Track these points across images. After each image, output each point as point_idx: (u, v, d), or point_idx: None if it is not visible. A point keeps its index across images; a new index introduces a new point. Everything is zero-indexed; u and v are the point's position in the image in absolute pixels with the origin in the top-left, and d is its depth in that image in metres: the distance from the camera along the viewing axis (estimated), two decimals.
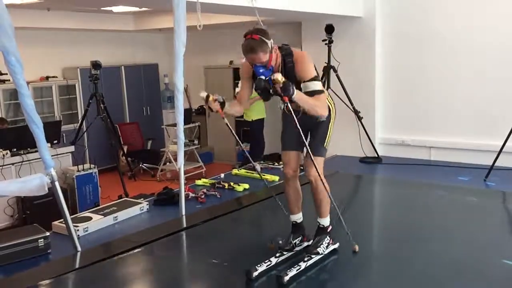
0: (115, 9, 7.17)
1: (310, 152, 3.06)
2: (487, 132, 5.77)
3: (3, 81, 7.05)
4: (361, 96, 6.31)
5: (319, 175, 3.08)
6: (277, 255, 3.17)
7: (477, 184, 5.03)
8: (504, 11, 5.62)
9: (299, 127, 2.94)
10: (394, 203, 4.83)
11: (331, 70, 6.09)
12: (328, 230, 3.27)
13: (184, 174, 4.33)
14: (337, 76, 6.06)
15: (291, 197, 3.31)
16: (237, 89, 3.21)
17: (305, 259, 3.12)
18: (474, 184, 5.05)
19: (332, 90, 6.04)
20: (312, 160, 3.04)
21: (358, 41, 6.51)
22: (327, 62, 6.10)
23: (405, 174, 5.66)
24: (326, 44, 6.06)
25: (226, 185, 5.01)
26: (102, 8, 7.16)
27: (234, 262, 3.27)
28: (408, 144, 6.42)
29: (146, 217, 4.27)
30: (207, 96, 3.05)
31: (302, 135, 3.00)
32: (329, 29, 6.02)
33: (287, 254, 3.22)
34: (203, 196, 4.66)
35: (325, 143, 3.18)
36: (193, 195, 4.67)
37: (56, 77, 8.03)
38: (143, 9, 7.15)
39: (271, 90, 2.89)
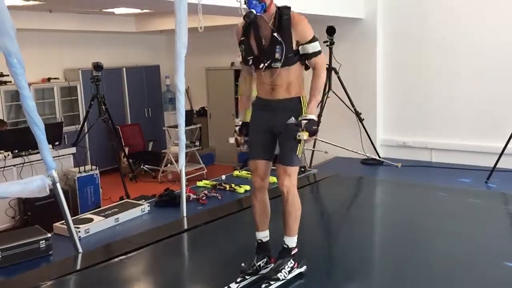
0: (117, 10, 7.18)
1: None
2: (489, 133, 5.76)
3: (5, 83, 7.06)
4: (362, 98, 6.30)
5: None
6: (238, 280, 2.82)
7: (479, 185, 5.02)
8: (505, 12, 5.62)
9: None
10: (395, 205, 4.82)
11: (332, 71, 6.09)
12: (292, 253, 2.89)
13: (185, 175, 4.32)
14: (339, 77, 6.06)
15: (258, 211, 2.95)
16: (238, 59, 3.04)
17: (262, 286, 2.77)
18: (475, 185, 5.04)
19: (333, 91, 6.04)
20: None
21: (360, 42, 6.51)
22: (328, 64, 6.09)
23: (406, 175, 5.65)
24: (327, 45, 6.06)
25: (228, 186, 5.01)
26: (104, 10, 7.18)
27: (235, 264, 3.26)
28: (410, 146, 6.41)
29: (147, 218, 4.27)
30: (236, 140, 3.08)
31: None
32: (331, 30, 6.02)
33: (250, 279, 2.85)
34: (204, 198, 4.66)
35: (298, 151, 2.80)
36: (194, 196, 4.67)
37: (58, 78, 8.04)
38: (145, 10, 7.15)
39: (255, 32, 2.76)
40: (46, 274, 3.17)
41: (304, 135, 2.62)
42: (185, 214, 4.21)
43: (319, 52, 2.83)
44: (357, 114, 6.12)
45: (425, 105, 6.27)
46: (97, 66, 6.47)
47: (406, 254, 3.41)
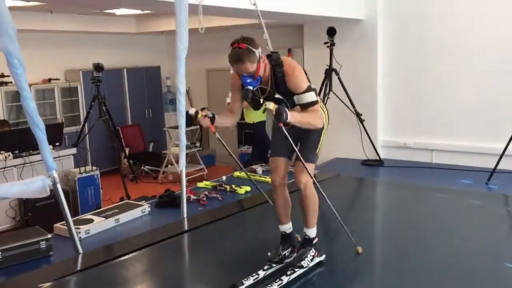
0: (118, 11, 7.19)
1: (301, 158, 2.93)
2: (489, 135, 5.76)
3: (5, 83, 7.07)
4: (363, 99, 6.30)
5: (310, 182, 2.98)
6: (265, 267, 3.02)
7: (479, 187, 5.02)
8: (505, 13, 5.62)
9: (291, 141, 2.87)
10: (395, 206, 4.82)
11: (333, 72, 6.10)
12: (313, 242, 3.11)
13: (186, 176, 4.32)
14: (339, 78, 6.06)
15: (279, 206, 3.15)
16: (228, 99, 3.14)
17: (288, 272, 2.97)
18: (476, 187, 5.04)
19: (334, 93, 6.05)
20: (305, 166, 2.92)
21: (360, 43, 6.52)
22: (329, 65, 6.10)
23: (407, 177, 5.65)
24: (328, 46, 6.07)
25: (228, 187, 5.01)
26: (105, 11, 7.18)
27: (236, 264, 3.26)
28: (410, 147, 6.41)
29: (147, 219, 4.27)
30: (196, 113, 2.99)
31: (294, 145, 2.92)
32: (331, 31, 6.03)
33: (276, 267, 3.06)
34: (204, 199, 4.66)
35: (317, 150, 3.06)
36: (195, 197, 4.67)
37: (59, 79, 8.05)
38: (145, 11, 7.16)
39: (261, 100, 2.85)
40: (46, 274, 3.17)
41: (270, 105, 2.69)
42: (185, 215, 4.21)
43: (315, 102, 2.89)
44: (358, 115, 6.12)
45: (426, 106, 6.27)
46: (98, 67, 6.48)
47: (407, 255, 3.41)
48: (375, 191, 5.56)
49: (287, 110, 2.69)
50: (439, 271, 3.10)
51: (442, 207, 4.52)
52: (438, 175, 5.65)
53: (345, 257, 3.38)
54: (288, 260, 3.12)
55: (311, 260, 3.07)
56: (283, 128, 2.81)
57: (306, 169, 2.94)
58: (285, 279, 2.92)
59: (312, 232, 3.10)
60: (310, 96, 2.86)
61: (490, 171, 5.05)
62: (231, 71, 3.04)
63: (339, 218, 3.26)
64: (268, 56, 2.92)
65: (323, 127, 3.03)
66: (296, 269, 3.00)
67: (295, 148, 2.97)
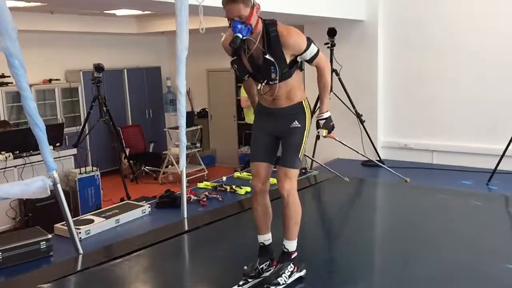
0: (118, 12, 7.19)
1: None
2: (490, 135, 5.76)
3: (6, 84, 7.08)
4: (363, 100, 6.31)
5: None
6: (241, 283, 2.82)
7: (480, 188, 5.02)
8: (506, 14, 5.62)
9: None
10: (396, 207, 4.81)
11: (334, 73, 6.09)
12: (292, 257, 2.88)
13: (186, 177, 4.32)
14: (340, 79, 6.06)
15: (259, 214, 2.94)
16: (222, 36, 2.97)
17: None
18: (476, 188, 5.04)
19: (334, 93, 6.03)
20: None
21: (361, 44, 6.52)
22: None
23: (407, 177, 5.64)
24: (328, 47, 6.06)
25: (228, 188, 5.01)
26: (105, 11, 7.19)
27: (236, 265, 3.26)
28: (411, 148, 6.41)
29: (148, 220, 4.27)
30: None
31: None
32: (332, 32, 6.02)
33: (252, 282, 2.85)
34: (205, 199, 4.66)
35: (300, 154, 2.82)
36: (195, 198, 4.67)
37: (59, 80, 8.06)
38: (146, 12, 7.16)
39: (246, 52, 2.72)
40: (46, 275, 3.17)
41: (323, 132, 2.86)
42: (185, 216, 4.21)
43: (317, 54, 2.80)
44: (358, 115, 6.11)
45: (426, 107, 6.27)
46: (98, 68, 6.47)
47: (407, 257, 3.40)
48: (375, 192, 5.55)
49: (329, 119, 2.89)
50: (440, 272, 3.10)
51: (443, 208, 4.51)
52: (439, 176, 5.65)
53: (345, 259, 3.38)
54: (266, 274, 2.91)
55: (289, 276, 2.84)
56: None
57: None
58: None
59: (291, 245, 2.88)
60: (312, 49, 2.76)
61: (491, 172, 5.05)
62: (222, 39, 2.89)
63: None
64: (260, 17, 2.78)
65: (305, 126, 2.85)
66: (272, 286, 2.78)
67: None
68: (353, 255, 3.31)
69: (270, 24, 2.72)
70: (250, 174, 5.53)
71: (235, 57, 2.84)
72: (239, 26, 2.61)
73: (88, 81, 7.23)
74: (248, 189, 4.92)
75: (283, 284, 2.80)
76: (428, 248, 3.53)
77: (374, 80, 6.52)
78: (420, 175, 5.71)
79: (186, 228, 4.00)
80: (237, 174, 5.73)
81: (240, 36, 2.61)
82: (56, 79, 7.98)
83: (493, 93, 5.76)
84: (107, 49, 8.66)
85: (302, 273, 2.97)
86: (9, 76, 6.40)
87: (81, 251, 3.41)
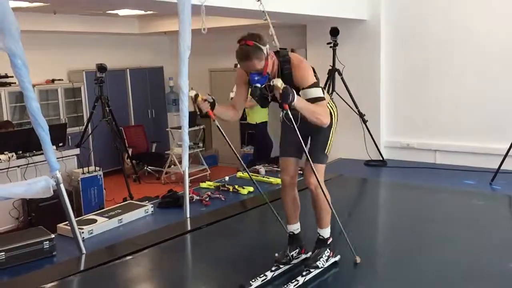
0: (121, 12, 7.21)
1: (310, 160, 2.90)
2: (493, 135, 5.74)
3: (9, 84, 7.09)
4: (366, 99, 6.30)
5: (320, 184, 2.94)
6: (273, 268, 3.00)
7: (483, 187, 5.00)
8: (509, 13, 5.60)
9: (299, 135, 2.80)
10: (399, 206, 4.81)
11: (336, 73, 6.09)
12: (328, 242, 3.10)
13: (189, 176, 4.33)
14: (342, 79, 6.05)
15: (288, 206, 3.13)
16: (232, 94, 3.11)
17: (304, 273, 2.96)
18: (480, 187, 5.02)
19: (337, 93, 6.04)
20: (312, 168, 2.89)
21: (363, 44, 6.50)
22: (332, 65, 6.09)
23: (410, 177, 5.64)
24: (331, 47, 6.06)
25: (231, 188, 5.01)
26: (108, 12, 7.20)
27: (239, 265, 3.27)
28: (413, 147, 6.40)
29: (150, 219, 4.27)
30: (196, 95, 2.86)
31: (303, 143, 2.87)
32: (334, 32, 6.02)
33: (283, 268, 3.04)
34: (207, 199, 4.66)
35: (326, 150, 3.01)
36: (198, 197, 4.68)
37: (62, 80, 8.07)
38: (148, 12, 7.17)
39: (269, 97, 2.79)
40: (49, 274, 3.17)
41: (275, 81, 2.62)
42: (188, 215, 4.21)
43: (321, 99, 2.80)
44: (361, 115, 6.11)
45: (429, 107, 6.25)
46: (101, 68, 6.49)
47: (410, 256, 3.40)
48: (378, 191, 5.55)
49: (294, 92, 2.63)
50: (443, 272, 3.09)
51: (446, 208, 4.51)
52: (442, 176, 5.63)
53: (348, 257, 3.37)
54: (295, 261, 3.11)
55: (326, 260, 3.07)
56: (291, 117, 2.70)
57: (313, 171, 2.88)
58: (300, 280, 2.91)
59: (326, 232, 3.10)
60: (316, 92, 2.79)
61: (494, 171, 5.04)
62: (238, 66, 2.96)
63: (342, 228, 3.15)
64: (276, 53, 2.87)
65: (331, 125, 2.96)
66: (311, 270, 2.98)
67: (305, 148, 2.94)
68: (356, 254, 3.30)
69: (284, 62, 2.85)
70: (253, 174, 5.58)
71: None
72: (256, 78, 2.75)
73: (91, 81, 7.24)
74: (251, 188, 4.93)
75: (321, 267, 3.02)
76: (431, 247, 3.52)
77: (376, 80, 6.51)
78: (423, 175, 5.70)
79: (189, 228, 4.01)
80: (239, 174, 5.73)
81: (259, 85, 2.76)
82: (59, 79, 8.00)
83: (497, 92, 5.74)
84: (109, 49, 8.66)
85: (337, 258, 3.18)
86: (12, 76, 6.40)
87: (84, 251, 3.42)
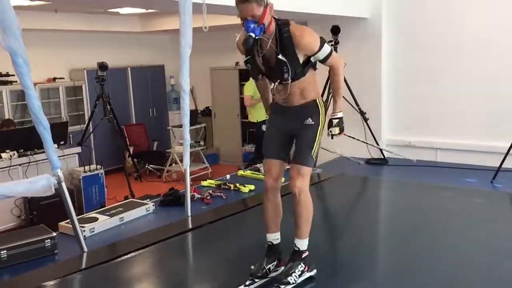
0: (122, 10, 7.21)
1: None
2: (494, 133, 5.74)
3: (10, 82, 7.10)
4: (367, 98, 6.29)
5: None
6: (247, 283, 2.77)
7: (484, 186, 5.00)
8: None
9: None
10: (400, 205, 4.80)
11: None
12: (303, 256, 2.83)
13: (190, 175, 4.33)
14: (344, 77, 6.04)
15: (269, 212, 2.88)
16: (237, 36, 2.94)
17: None
18: (481, 186, 5.01)
19: None
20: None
21: (365, 42, 6.50)
22: None
23: (411, 175, 5.63)
24: (332, 45, 6.03)
25: (232, 186, 5.01)
26: (109, 10, 7.20)
27: (240, 263, 3.27)
28: (415, 146, 6.39)
29: (152, 218, 4.28)
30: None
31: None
32: (335, 30, 6.01)
33: (259, 282, 2.81)
34: (208, 197, 4.66)
35: (313, 151, 2.78)
36: (199, 196, 4.67)
37: (63, 78, 8.08)
38: (150, 10, 7.17)
39: (258, 52, 2.71)
40: (51, 273, 3.18)
41: (336, 130, 2.88)
42: (189, 214, 4.21)
43: (330, 54, 2.80)
44: (362, 113, 6.10)
45: (431, 105, 6.25)
46: (102, 66, 6.49)
47: (412, 254, 3.40)
48: (379, 190, 5.55)
49: (342, 119, 2.86)
50: (444, 270, 3.09)
51: (447, 206, 4.50)
52: (443, 174, 5.63)
53: (351, 256, 3.37)
54: (273, 275, 2.86)
55: (299, 275, 2.79)
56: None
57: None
58: None
59: (303, 244, 2.82)
60: (325, 49, 2.76)
61: (495, 169, 5.03)
62: (237, 39, 2.87)
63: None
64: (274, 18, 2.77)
65: (319, 123, 2.81)
66: (282, 286, 2.73)
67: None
68: (357, 253, 3.30)
69: (283, 25, 2.72)
70: (253, 172, 5.58)
71: (248, 57, 2.82)
72: (251, 25, 2.60)
73: (92, 79, 7.25)
74: (252, 187, 4.93)
75: (293, 283, 2.76)
76: (432, 245, 3.52)
77: (378, 78, 6.50)
78: (424, 173, 5.70)
79: (190, 226, 4.01)
80: (240, 172, 5.73)
81: (253, 35, 2.60)
82: (60, 78, 8.01)
83: (498, 90, 5.73)
84: (111, 48, 8.67)
85: (313, 273, 2.92)
86: (14, 75, 6.42)
87: (85, 249, 3.42)
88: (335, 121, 2.89)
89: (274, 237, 2.91)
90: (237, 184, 5.03)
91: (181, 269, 3.39)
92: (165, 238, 3.70)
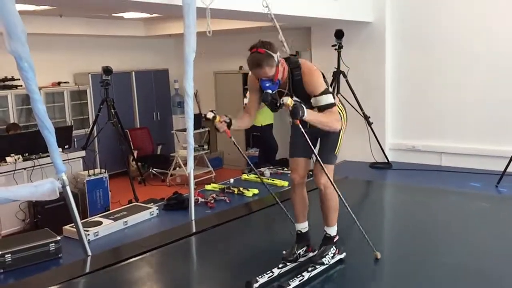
0: (126, 15, 7.23)
1: (319, 160, 2.98)
2: (499, 137, 5.72)
3: (16, 87, 7.13)
4: (371, 101, 6.28)
5: (329, 182, 3.03)
6: (280, 266, 3.07)
7: (489, 190, 4.98)
8: None
9: (308, 139, 2.88)
10: (404, 209, 4.79)
11: (341, 75, 6.08)
12: (334, 240, 3.18)
13: (194, 179, 4.33)
14: (347, 81, 6.05)
15: (297, 204, 3.23)
16: (245, 100, 3.19)
17: (309, 269, 3.04)
18: (486, 190, 5.00)
19: (341, 95, 6.02)
20: (323, 168, 2.97)
21: (368, 46, 6.50)
22: (336, 67, 6.09)
23: (415, 180, 5.62)
24: (335, 49, 6.06)
25: (236, 190, 5.02)
26: (113, 15, 7.23)
27: (244, 267, 3.26)
28: (419, 150, 6.38)
29: (156, 222, 4.28)
30: (214, 117, 3.04)
31: (312, 146, 2.95)
32: (339, 34, 6.01)
33: (290, 265, 3.11)
34: (212, 201, 4.67)
35: (336, 151, 3.11)
36: (203, 200, 4.68)
37: (68, 82, 8.11)
38: (154, 15, 7.19)
39: (279, 103, 2.86)
40: (55, 276, 3.19)
41: (287, 99, 2.69)
42: (193, 218, 4.22)
43: (332, 105, 2.89)
44: (366, 117, 6.09)
45: (435, 109, 6.23)
46: (107, 70, 6.51)
47: (416, 258, 3.39)
48: (383, 194, 5.54)
49: (304, 107, 2.71)
50: (448, 274, 3.08)
51: (451, 210, 4.49)
52: (447, 178, 5.62)
53: (358, 259, 3.37)
54: (302, 259, 3.17)
55: (332, 257, 3.13)
56: (300, 126, 2.80)
57: (324, 171, 2.98)
58: (306, 275, 2.98)
59: (332, 230, 3.16)
60: (327, 98, 2.88)
61: (500, 174, 5.01)
62: (250, 73, 3.06)
63: (357, 222, 3.21)
64: (286, 59, 2.96)
65: (341, 127, 3.02)
66: (317, 266, 3.06)
67: (313, 149, 3.00)
68: (361, 255, 3.30)
69: (295, 68, 2.92)
70: (257, 176, 5.57)
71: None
72: (267, 84, 2.84)
73: (96, 83, 7.27)
74: (256, 191, 4.94)
75: (327, 264, 3.09)
76: (437, 250, 3.51)
77: (381, 82, 6.50)
78: (428, 177, 5.68)
79: (194, 230, 4.01)
80: (244, 176, 5.74)
81: (270, 92, 2.84)
82: (65, 82, 8.03)
83: (503, 94, 5.71)
84: (115, 52, 8.70)
85: (343, 255, 3.25)
86: (19, 79, 6.44)
87: (89, 253, 3.43)
88: (293, 102, 2.71)
89: (303, 226, 3.25)
90: (241, 188, 5.03)
91: (185, 273, 3.39)
92: (169, 242, 3.70)
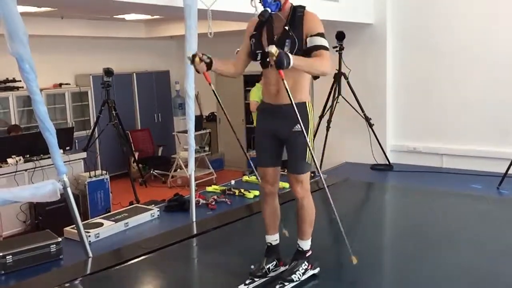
0: (127, 17, 7.25)
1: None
2: (500, 139, 5.71)
3: (17, 88, 7.14)
4: (372, 103, 6.28)
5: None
6: (247, 282, 2.89)
7: (490, 192, 4.97)
8: None
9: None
10: (405, 211, 4.79)
11: (342, 77, 6.08)
12: (307, 255, 2.97)
13: (195, 180, 4.33)
14: (348, 83, 6.05)
15: (268, 215, 3.00)
16: (237, 49, 3.00)
17: (277, 286, 2.84)
18: (487, 192, 4.99)
19: (343, 97, 6.03)
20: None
21: (369, 48, 6.50)
22: (338, 69, 6.09)
23: (416, 181, 5.61)
24: (337, 51, 6.06)
25: (237, 191, 5.01)
26: (115, 16, 7.24)
27: (244, 268, 3.26)
28: (420, 151, 6.37)
29: (156, 223, 4.28)
30: (193, 56, 2.76)
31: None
32: (340, 36, 6.02)
33: (258, 281, 2.91)
34: (213, 203, 4.67)
35: (307, 157, 2.82)
36: (204, 201, 4.68)
37: (69, 84, 8.12)
38: (155, 16, 7.21)
39: (268, 28, 2.76)
40: (56, 278, 3.19)
41: (273, 48, 2.49)
42: (194, 219, 4.22)
43: (326, 48, 2.75)
44: (367, 119, 6.09)
45: (436, 111, 6.23)
46: (108, 72, 6.52)
47: (417, 260, 3.38)
48: (384, 196, 5.53)
49: (289, 55, 2.51)
50: (449, 277, 3.07)
51: (452, 212, 4.48)
52: (448, 180, 5.61)
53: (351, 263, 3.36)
54: (272, 274, 2.97)
55: (303, 273, 2.93)
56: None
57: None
58: None
59: (306, 244, 2.96)
60: (322, 40, 2.74)
61: (501, 176, 5.01)
62: (251, 20, 2.97)
63: (340, 224, 2.98)
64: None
65: (308, 128, 2.81)
66: (286, 283, 2.84)
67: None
68: (362, 258, 3.29)
69: (299, 7, 2.82)
70: (258, 178, 5.57)
71: (254, 32, 2.88)
72: (269, 0, 2.71)
73: (97, 85, 7.28)
74: (257, 192, 4.92)
75: (296, 281, 2.87)
76: (437, 251, 3.50)
77: (383, 84, 6.49)
78: (429, 179, 5.68)
79: (195, 232, 4.01)
80: (245, 178, 5.73)
81: (269, 10, 2.70)
82: (66, 83, 8.05)
83: (504, 96, 5.71)
84: (116, 54, 8.71)
85: (316, 270, 3.03)
86: (20, 81, 6.46)
87: (90, 254, 3.43)
88: (278, 50, 2.50)
89: (273, 238, 3.03)
90: (242, 190, 5.03)
91: (185, 274, 3.39)
92: (170, 243, 3.70)
